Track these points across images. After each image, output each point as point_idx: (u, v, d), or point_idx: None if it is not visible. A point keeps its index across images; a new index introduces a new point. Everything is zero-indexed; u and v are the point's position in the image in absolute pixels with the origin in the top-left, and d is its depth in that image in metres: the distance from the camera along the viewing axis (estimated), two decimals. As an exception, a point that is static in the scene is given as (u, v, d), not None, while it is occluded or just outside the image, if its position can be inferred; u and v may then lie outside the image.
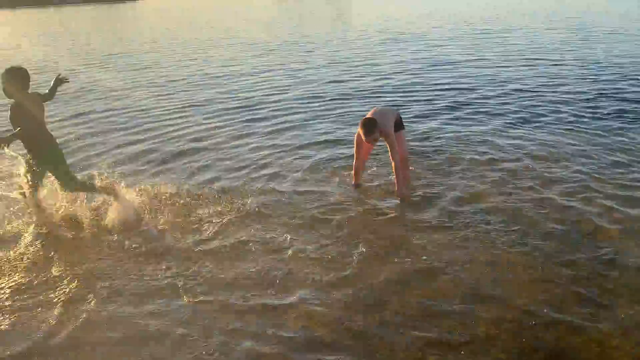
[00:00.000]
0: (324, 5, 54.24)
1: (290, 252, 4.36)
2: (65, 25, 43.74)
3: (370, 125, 4.99)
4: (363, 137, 5.07)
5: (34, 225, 5.01)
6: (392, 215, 4.99)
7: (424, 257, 4.17)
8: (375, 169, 6.05)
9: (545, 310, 3.46)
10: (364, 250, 4.33)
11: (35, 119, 4.67)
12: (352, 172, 5.57)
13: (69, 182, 4.95)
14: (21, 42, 26.19)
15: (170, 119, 9.03)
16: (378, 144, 5.73)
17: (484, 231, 4.51)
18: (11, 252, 4.56)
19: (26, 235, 4.86)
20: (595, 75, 10.71)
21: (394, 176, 5.26)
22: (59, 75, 5.11)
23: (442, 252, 4.23)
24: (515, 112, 8.28)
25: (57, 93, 5.18)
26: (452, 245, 4.34)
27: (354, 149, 5.41)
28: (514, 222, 4.64)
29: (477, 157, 6.29)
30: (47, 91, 5.04)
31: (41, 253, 4.57)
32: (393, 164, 5.20)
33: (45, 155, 4.81)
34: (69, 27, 41.08)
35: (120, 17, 58.24)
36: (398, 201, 5.20)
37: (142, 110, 9.83)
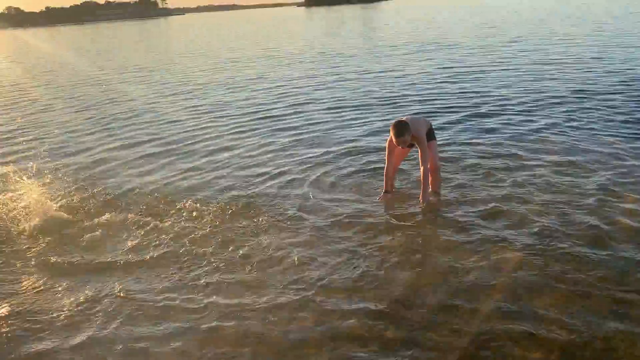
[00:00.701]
0: (355, 14, 54.52)
1: (311, 263, 4.28)
2: (102, 40, 45.16)
3: (401, 127, 4.86)
4: (394, 140, 4.92)
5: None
6: (417, 224, 4.85)
7: (448, 268, 4.04)
8: (405, 177, 5.95)
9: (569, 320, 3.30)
10: (387, 260, 4.23)
11: None
12: (383, 177, 5.35)
13: None
14: (66, 56, 27.19)
15: (197, 129, 9.16)
16: (410, 153, 5.63)
17: (511, 245, 4.33)
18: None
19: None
20: (627, 82, 10.34)
21: (421, 182, 5.09)
22: None
23: (466, 265, 4.09)
24: (545, 119, 8.02)
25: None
26: (476, 257, 4.17)
27: (386, 153, 5.24)
28: (537, 233, 4.46)
29: (504, 166, 6.09)
30: None
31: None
32: (422, 169, 5.03)
33: None
34: (105, 42, 42.39)
35: (152, 32, 59.76)
36: (421, 209, 5.08)
37: (171, 121, 10.02)
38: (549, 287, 3.70)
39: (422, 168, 5.03)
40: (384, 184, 5.32)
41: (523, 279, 3.83)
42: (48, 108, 12.57)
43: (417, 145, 5.10)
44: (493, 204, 5.06)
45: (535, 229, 4.51)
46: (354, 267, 4.15)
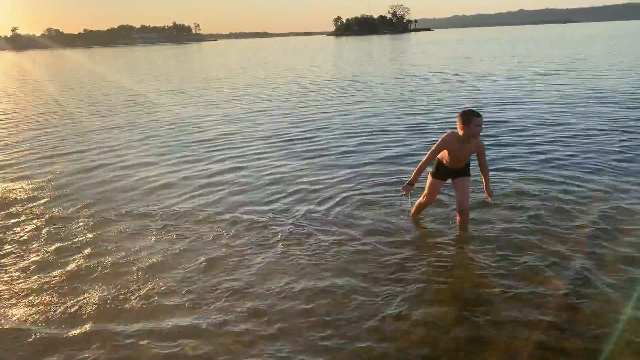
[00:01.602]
0: (384, 44, 55.04)
1: (334, 282, 4.20)
2: (142, 62, 46.42)
3: (477, 111, 4.72)
4: (473, 121, 4.60)
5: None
6: (448, 252, 4.76)
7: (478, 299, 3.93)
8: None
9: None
10: (414, 276, 4.14)
11: None
12: (416, 169, 4.91)
13: None
14: (113, 76, 28.04)
15: (225, 147, 9.27)
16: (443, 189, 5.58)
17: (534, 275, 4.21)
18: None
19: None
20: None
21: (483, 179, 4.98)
22: None
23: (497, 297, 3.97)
24: (573, 155, 7.86)
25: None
26: (509, 288, 4.06)
27: (435, 145, 4.84)
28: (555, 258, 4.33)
29: (529, 195, 5.98)
30: None
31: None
32: (484, 169, 4.95)
33: None
34: (146, 64, 43.55)
35: (188, 56, 61.30)
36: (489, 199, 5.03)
37: (202, 140, 10.15)
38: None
39: (485, 169, 4.96)
40: (413, 174, 4.90)
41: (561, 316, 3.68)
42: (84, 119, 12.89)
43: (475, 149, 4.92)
44: (525, 237, 4.93)
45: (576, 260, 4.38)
46: (384, 295, 4.05)
